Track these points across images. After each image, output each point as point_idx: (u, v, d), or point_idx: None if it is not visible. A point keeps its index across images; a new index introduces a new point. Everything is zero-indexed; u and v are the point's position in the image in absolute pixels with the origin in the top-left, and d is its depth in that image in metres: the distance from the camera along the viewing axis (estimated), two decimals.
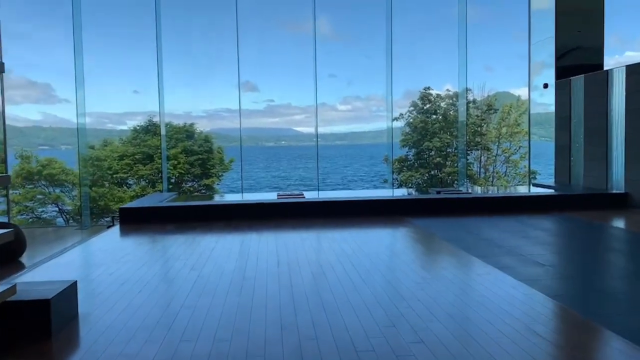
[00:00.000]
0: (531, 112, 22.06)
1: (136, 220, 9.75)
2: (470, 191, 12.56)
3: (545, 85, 14.00)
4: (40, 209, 18.73)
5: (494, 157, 21.14)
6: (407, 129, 21.07)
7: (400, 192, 16.55)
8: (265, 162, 64.43)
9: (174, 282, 5.61)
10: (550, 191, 11.90)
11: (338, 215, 10.15)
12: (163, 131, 14.08)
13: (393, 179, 21.94)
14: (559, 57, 13.57)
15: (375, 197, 10.75)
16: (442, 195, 10.94)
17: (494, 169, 21.38)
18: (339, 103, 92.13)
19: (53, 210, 19.30)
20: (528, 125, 14.87)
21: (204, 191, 20.98)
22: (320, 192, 14.24)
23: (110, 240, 8.45)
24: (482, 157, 21.45)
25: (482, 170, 21.55)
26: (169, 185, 19.96)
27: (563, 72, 13.42)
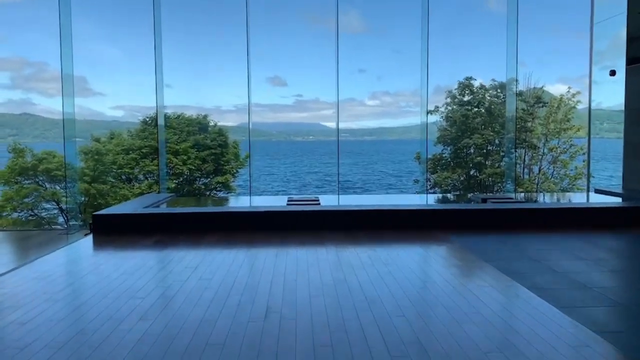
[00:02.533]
0: (579, 107, 19.67)
1: (110, 230, 7.95)
2: (521, 199, 10.40)
3: (613, 73, 11.70)
4: (41, 207, 17.26)
5: (539, 157, 18.77)
6: (444, 124, 18.86)
7: (435, 197, 14.48)
8: (292, 157, 62.73)
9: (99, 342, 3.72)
10: (624, 202, 9.68)
11: (359, 228, 8.17)
12: (160, 121, 12.31)
13: (426, 179, 19.81)
14: (630, 38, 11.26)
15: (405, 206, 8.73)
16: (488, 205, 8.84)
17: (539, 169, 19.01)
18: (367, 98, 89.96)
19: (55, 208, 17.82)
20: (588, 120, 12.60)
21: (219, 189, 19.24)
22: (340, 196, 12.26)
23: (71, 256, 6.67)
24: (526, 156, 19.11)
25: (526, 170, 19.21)
26: (178, 183, 18.28)
27: (636, 57, 11.11)
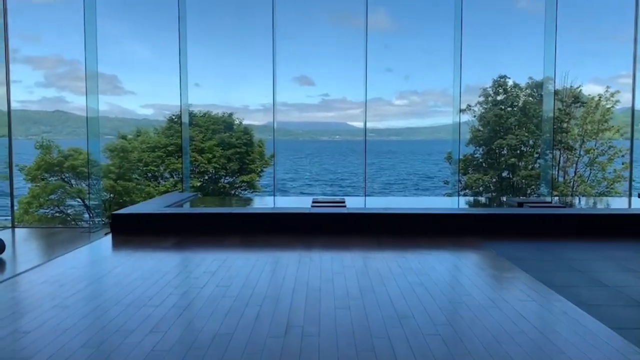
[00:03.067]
0: (618, 107, 18.81)
1: (129, 230, 7.70)
2: (559, 203, 9.83)
3: None
4: (67, 203, 17.26)
5: (575, 158, 18.00)
6: (477, 124, 18.23)
7: (466, 200, 13.97)
8: (317, 157, 62.39)
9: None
10: None
11: (387, 232, 7.76)
12: (185, 119, 12.09)
13: (456, 180, 19.24)
14: None
15: (436, 210, 8.28)
16: (525, 210, 8.32)
17: (575, 172, 18.22)
18: (395, 98, 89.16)
19: (80, 205, 17.81)
20: (632, 121, 11.91)
21: (244, 187, 19.00)
22: (367, 197, 11.84)
23: (87, 258, 6.42)
24: (562, 158, 18.34)
25: (561, 173, 18.44)
26: (203, 182, 18.10)
27: None
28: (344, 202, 9.20)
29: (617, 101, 17.72)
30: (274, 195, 11.85)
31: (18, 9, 11.77)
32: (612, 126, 17.79)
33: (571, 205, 10.33)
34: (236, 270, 5.71)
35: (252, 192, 19.09)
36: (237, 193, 18.99)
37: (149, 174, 17.59)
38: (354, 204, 9.59)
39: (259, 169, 18.23)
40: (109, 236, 7.68)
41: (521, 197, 12.03)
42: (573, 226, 7.87)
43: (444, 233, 7.73)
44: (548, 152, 17.76)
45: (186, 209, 8.36)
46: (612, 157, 17.74)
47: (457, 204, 11.02)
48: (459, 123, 12.51)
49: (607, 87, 17.84)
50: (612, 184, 17.48)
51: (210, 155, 17.75)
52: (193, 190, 16.98)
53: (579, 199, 15.65)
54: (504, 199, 10.45)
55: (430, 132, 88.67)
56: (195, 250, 6.86)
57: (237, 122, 19.40)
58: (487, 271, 5.88)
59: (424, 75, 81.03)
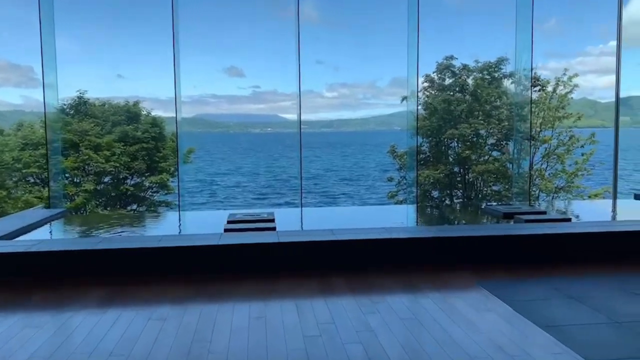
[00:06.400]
0: (575, 94, 17.19)
1: None
2: (558, 212, 7.62)
3: None
4: None
5: (534, 150, 16.15)
6: (424, 112, 15.95)
7: (428, 210, 11.75)
8: (248, 151, 59.10)
9: None
10: None
11: (336, 267, 5.17)
12: (50, 108, 8.95)
13: (400, 177, 16.99)
14: None
15: (405, 233, 5.81)
16: (529, 230, 5.99)
17: (530, 164, 16.38)
18: (325, 90, 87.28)
19: None
20: (616, 106, 9.94)
21: (154, 189, 15.86)
22: (304, 207, 9.21)
23: None
24: (515, 149, 16.45)
25: (514, 166, 16.56)
26: (100, 184, 14.81)
27: None
28: (272, 219, 6.52)
29: (576, 86, 16.04)
30: (179, 210, 8.96)
31: None
32: (571, 113, 16.10)
33: (566, 214, 8.15)
34: (85, 347, 2.92)
35: (165, 194, 16.01)
36: (146, 196, 15.86)
37: (30, 178, 14.12)
38: (287, 220, 6.95)
39: (172, 168, 15.14)
40: None
41: (503, 204, 9.83)
42: (593, 249, 5.60)
43: (414, 265, 5.24)
44: (506, 142, 15.88)
45: (22, 243, 5.36)
46: (570, 148, 16.06)
47: (416, 215, 8.61)
48: (416, 112, 10.15)
49: (565, 69, 16.12)
50: (572, 178, 15.80)
51: (108, 153, 14.50)
52: (85, 196, 13.72)
53: (567, 203, 13.70)
54: (484, 207, 8.13)
55: (360, 124, 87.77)
56: (28, 313, 4.00)
57: (144, 112, 16.18)
58: (493, 336, 3.39)
59: (352, 67, 79.69)
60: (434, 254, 5.48)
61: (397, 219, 8.13)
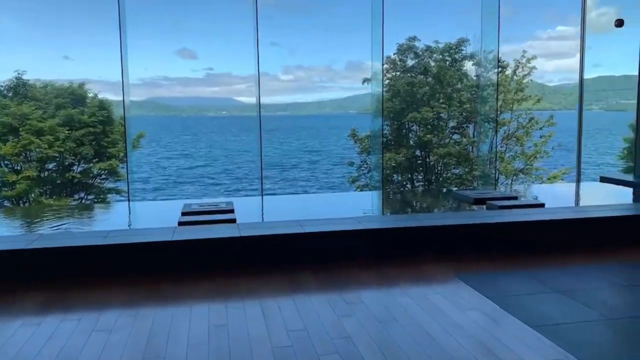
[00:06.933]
0: (531, 75, 17.19)
1: None
2: (532, 197, 7.39)
3: (620, 23, 8.93)
4: None
5: (492, 132, 16.09)
6: (387, 95, 15.58)
7: (394, 196, 11.48)
8: (203, 135, 57.69)
9: None
10: None
11: (304, 263, 4.74)
12: None
13: (361, 161, 16.65)
14: None
15: (378, 223, 5.44)
16: (497, 216, 5.71)
17: (491, 147, 16.35)
18: (281, 73, 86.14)
19: None
20: (580, 88, 9.83)
21: (103, 176, 14.97)
22: (264, 195, 8.71)
23: None
24: (475, 132, 16.35)
25: (474, 149, 16.49)
26: (44, 172, 13.86)
27: None
28: (231, 209, 6.01)
29: (534, 68, 16.03)
30: (129, 201, 8.30)
31: None
32: (529, 95, 16.10)
33: (537, 199, 7.95)
34: None
35: (115, 182, 15.14)
36: (95, 184, 14.97)
37: None
38: (247, 210, 6.46)
39: (121, 154, 14.28)
40: None
41: (471, 189, 9.59)
42: (573, 235, 5.37)
43: (387, 257, 4.88)
44: (466, 125, 15.75)
45: None
46: (529, 131, 16.08)
47: (381, 201, 8.27)
48: (382, 94, 9.76)
49: (524, 51, 16.07)
50: (531, 160, 15.85)
51: (52, 138, 13.53)
52: (24, 184, 12.82)
53: (529, 185, 13.64)
54: (453, 192, 7.85)
55: (317, 108, 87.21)
56: None
57: (91, 94, 15.19)
58: (481, 338, 3.05)
59: (309, 50, 78.81)
60: (409, 244, 5.12)
61: (364, 207, 7.76)
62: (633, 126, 17.76)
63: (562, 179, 15.56)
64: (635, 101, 8.74)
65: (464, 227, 5.20)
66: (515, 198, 6.79)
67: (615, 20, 8.91)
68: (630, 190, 8.06)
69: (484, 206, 6.41)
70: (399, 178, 15.88)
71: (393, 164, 15.65)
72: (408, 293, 4.12)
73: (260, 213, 6.74)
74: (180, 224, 5.33)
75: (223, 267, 4.71)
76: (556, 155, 16.73)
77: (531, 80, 15.93)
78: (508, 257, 5.07)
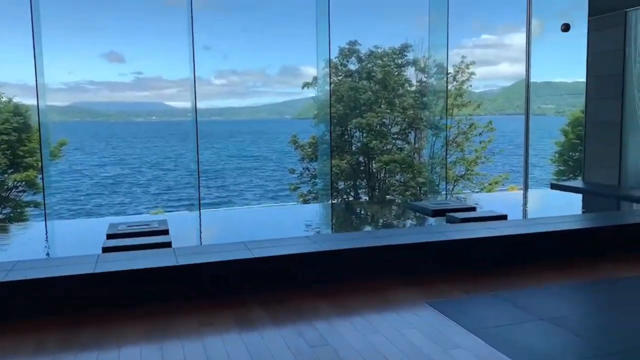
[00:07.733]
0: (470, 80, 17.24)
1: None
2: (490, 211, 7.05)
3: (566, 27, 8.85)
4: None
5: (433, 138, 15.98)
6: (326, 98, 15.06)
7: (343, 207, 10.99)
8: (132, 142, 55.24)
9: None
10: None
11: (254, 292, 4.09)
12: None
13: (303, 169, 16.08)
14: None
15: (329, 246, 4.86)
16: (459, 234, 5.27)
17: (432, 153, 16.23)
18: (214, 77, 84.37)
19: None
20: (526, 91, 9.71)
21: (20, 189, 13.60)
22: (203, 210, 7.94)
23: None
24: (416, 138, 16.18)
25: (416, 155, 16.31)
26: None
27: (601, 4, 8.32)
28: (165, 230, 5.24)
29: (473, 73, 16.07)
30: (45, 220, 7.28)
31: None
32: (469, 101, 16.13)
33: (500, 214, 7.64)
34: None
35: (33, 194, 13.81)
36: (10, 197, 13.58)
37: None
38: (183, 229, 5.72)
39: (40, 164, 12.97)
40: None
41: (423, 201, 9.20)
42: (540, 251, 5.01)
43: (351, 281, 4.31)
44: (409, 131, 15.53)
45: None
46: (469, 136, 16.08)
47: (331, 214, 7.72)
48: (330, 99, 9.24)
49: (463, 57, 16.09)
50: (472, 166, 15.84)
51: None
52: None
53: (476, 196, 13.43)
54: (404, 203, 7.38)
55: (251, 113, 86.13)
56: None
57: (4, 99, 13.79)
58: None
59: (242, 55, 77.70)
60: (370, 266, 4.57)
61: (312, 221, 7.15)
62: (565, 130, 18.31)
63: (503, 184, 15.65)
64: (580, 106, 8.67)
65: (430, 245, 4.72)
66: (474, 209, 6.42)
67: (562, 25, 8.82)
68: (580, 197, 7.94)
69: (444, 218, 5.98)
70: (343, 185, 15.45)
71: (337, 171, 15.18)
72: (379, 329, 3.55)
73: (198, 233, 5.98)
74: (105, 249, 4.52)
75: (157, 301, 3.98)
76: (495, 160, 16.86)
77: (471, 85, 15.95)
78: (476, 276, 4.62)
